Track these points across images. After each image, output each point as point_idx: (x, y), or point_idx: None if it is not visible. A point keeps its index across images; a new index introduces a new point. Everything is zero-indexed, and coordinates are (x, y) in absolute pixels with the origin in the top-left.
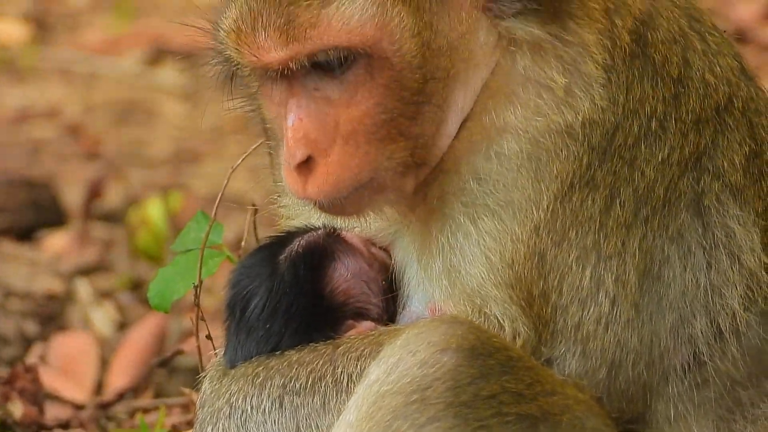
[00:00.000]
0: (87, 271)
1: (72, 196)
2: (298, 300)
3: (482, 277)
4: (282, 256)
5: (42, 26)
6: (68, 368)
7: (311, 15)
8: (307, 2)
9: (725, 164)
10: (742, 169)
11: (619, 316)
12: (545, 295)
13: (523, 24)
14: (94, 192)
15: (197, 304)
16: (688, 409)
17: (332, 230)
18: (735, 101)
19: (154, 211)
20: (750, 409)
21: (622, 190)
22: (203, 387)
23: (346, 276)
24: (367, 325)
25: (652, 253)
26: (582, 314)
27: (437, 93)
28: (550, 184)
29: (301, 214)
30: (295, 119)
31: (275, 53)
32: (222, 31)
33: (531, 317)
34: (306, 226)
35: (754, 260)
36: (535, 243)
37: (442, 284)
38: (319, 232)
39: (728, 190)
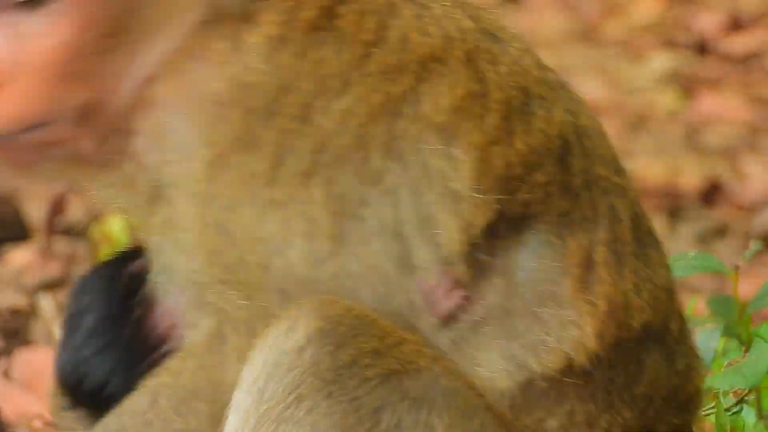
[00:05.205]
0: (50, 286)
1: (35, 211)
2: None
3: (184, 269)
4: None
5: None
6: (32, 383)
7: None
8: None
9: (428, 108)
10: (452, 110)
11: (322, 252)
12: (244, 261)
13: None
14: (57, 207)
15: None
16: (464, 337)
17: None
18: (453, 51)
19: (116, 226)
20: (527, 334)
21: (295, 144)
22: None
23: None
24: None
25: (346, 196)
26: (287, 262)
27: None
28: (205, 154)
29: None
30: None
31: None
32: None
33: (240, 287)
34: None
35: (465, 191)
36: (208, 216)
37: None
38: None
39: (431, 130)
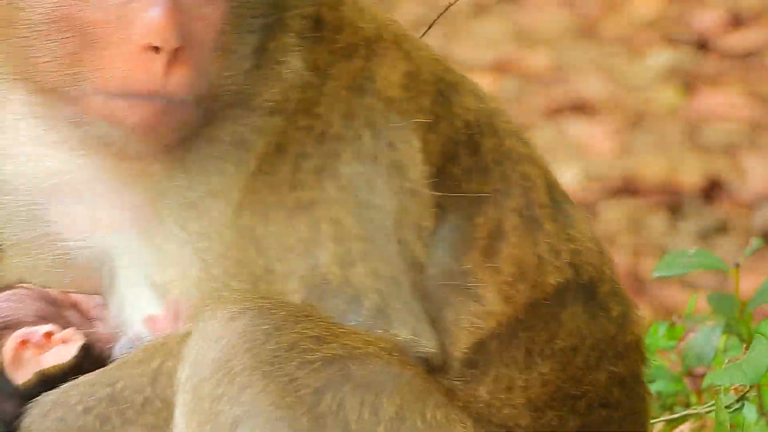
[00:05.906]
0: None
1: None
2: None
3: (197, 276)
4: None
5: None
6: None
7: None
8: None
9: (381, 81)
10: (399, 86)
11: (350, 252)
12: (269, 271)
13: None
14: None
15: None
16: None
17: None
18: (384, 34)
19: None
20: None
21: (305, 139)
22: None
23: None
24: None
25: (355, 183)
26: (314, 264)
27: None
28: (250, 163)
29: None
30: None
31: None
32: None
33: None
34: None
35: (419, 187)
36: (241, 224)
37: (171, 291)
38: None
39: (388, 104)
